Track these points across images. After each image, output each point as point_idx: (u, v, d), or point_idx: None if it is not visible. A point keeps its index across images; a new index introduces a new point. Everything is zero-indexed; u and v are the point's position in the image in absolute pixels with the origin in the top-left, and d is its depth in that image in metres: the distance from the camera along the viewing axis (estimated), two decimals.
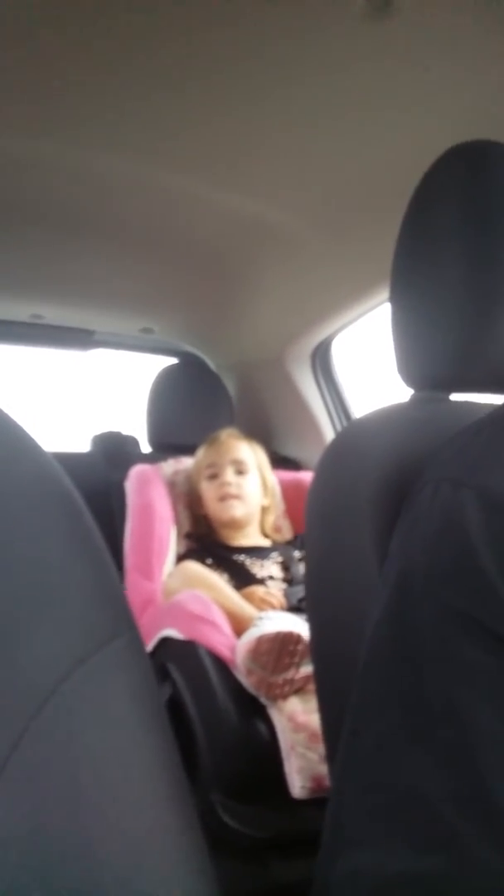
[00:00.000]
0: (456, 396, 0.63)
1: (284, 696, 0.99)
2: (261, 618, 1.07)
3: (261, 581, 1.36)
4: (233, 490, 1.49)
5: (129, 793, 0.31)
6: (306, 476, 1.71)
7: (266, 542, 1.54)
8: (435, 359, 0.57)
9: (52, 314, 1.80)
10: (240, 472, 1.52)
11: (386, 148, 0.92)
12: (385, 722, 0.38)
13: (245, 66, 0.80)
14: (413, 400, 0.63)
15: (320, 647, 0.62)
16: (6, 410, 0.36)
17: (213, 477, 1.52)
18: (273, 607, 1.25)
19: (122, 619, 0.35)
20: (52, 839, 0.27)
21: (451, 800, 0.33)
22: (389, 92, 0.82)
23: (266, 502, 1.58)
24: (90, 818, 0.29)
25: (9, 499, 0.32)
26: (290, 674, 0.98)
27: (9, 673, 0.29)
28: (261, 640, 0.98)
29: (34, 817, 0.27)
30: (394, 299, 0.61)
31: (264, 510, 1.58)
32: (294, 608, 1.25)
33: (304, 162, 0.99)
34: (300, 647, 0.98)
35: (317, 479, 0.63)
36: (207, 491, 1.53)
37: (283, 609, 1.25)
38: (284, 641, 0.98)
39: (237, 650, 1.03)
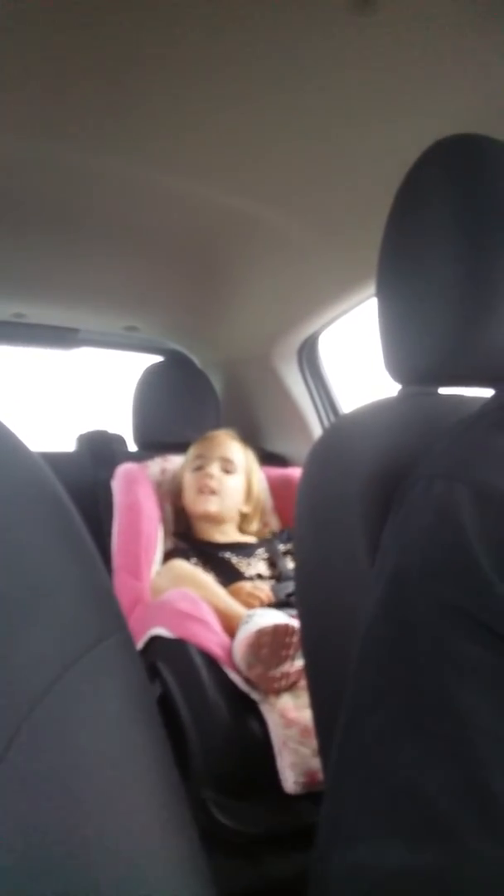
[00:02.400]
0: (444, 390, 0.63)
1: (280, 690, 0.99)
2: (250, 614, 1.07)
3: (249, 579, 1.36)
4: (213, 483, 1.48)
5: (123, 794, 0.30)
6: (294, 472, 1.71)
7: (250, 539, 1.53)
8: (422, 353, 0.57)
9: (35, 313, 1.78)
10: (226, 470, 1.52)
11: (372, 143, 0.92)
12: (381, 716, 0.38)
13: (230, 61, 0.80)
14: (401, 395, 0.63)
15: (311, 642, 0.62)
16: None
17: (198, 469, 1.52)
18: (261, 601, 1.25)
19: (113, 620, 0.34)
20: (46, 841, 0.27)
21: (449, 793, 0.34)
22: (377, 87, 0.82)
23: (247, 510, 1.56)
24: (84, 819, 0.28)
25: None
26: (286, 667, 0.98)
27: (0, 674, 0.28)
28: (260, 634, 0.98)
29: (28, 819, 0.27)
30: (380, 294, 0.61)
31: (244, 517, 1.57)
32: (282, 603, 1.25)
33: (289, 157, 0.99)
34: (295, 640, 0.98)
35: (306, 475, 0.63)
36: (188, 481, 1.52)
37: (270, 603, 1.25)
38: (281, 634, 0.98)
39: (235, 646, 1.03)
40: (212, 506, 1.48)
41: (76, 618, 0.32)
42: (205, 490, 1.48)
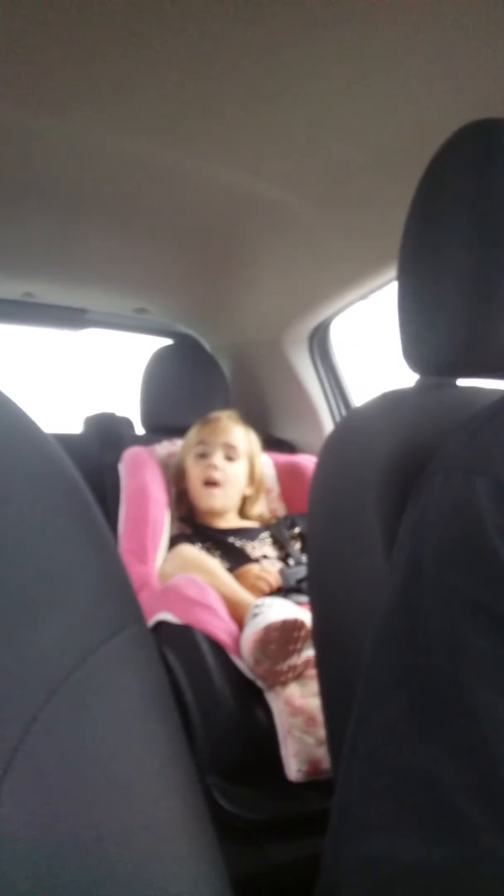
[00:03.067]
0: (462, 382, 0.62)
1: (287, 682, 0.99)
2: (259, 605, 1.07)
3: (255, 561, 1.36)
4: (218, 475, 1.48)
5: (139, 786, 0.30)
6: (302, 459, 1.71)
7: (253, 524, 1.53)
8: (442, 343, 0.56)
9: (44, 293, 1.77)
10: (229, 457, 1.51)
11: (390, 122, 0.90)
12: (393, 709, 0.38)
13: (244, 39, 0.78)
14: (419, 385, 0.62)
15: (323, 632, 0.62)
16: (6, 393, 0.35)
17: (202, 456, 1.51)
18: (269, 584, 1.25)
19: (129, 610, 0.34)
20: (62, 832, 0.27)
21: (463, 788, 0.33)
22: (394, 64, 0.80)
23: (249, 492, 1.56)
24: (100, 811, 0.28)
25: (14, 486, 0.31)
26: (293, 660, 0.98)
27: (16, 664, 0.28)
28: (269, 629, 0.98)
29: (44, 810, 0.27)
30: (401, 281, 0.60)
31: (246, 499, 1.57)
32: (293, 589, 1.25)
33: (305, 137, 0.97)
34: (303, 634, 0.98)
35: (320, 466, 0.63)
36: (193, 469, 1.51)
37: (277, 586, 1.25)
38: (289, 629, 0.98)
39: (243, 642, 1.02)
40: (216, 501, 1.48)
41: (93, 608, 0.32)
42: (209, 482, 1.47)
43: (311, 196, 1.14)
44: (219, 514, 1.51)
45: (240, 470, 1.52)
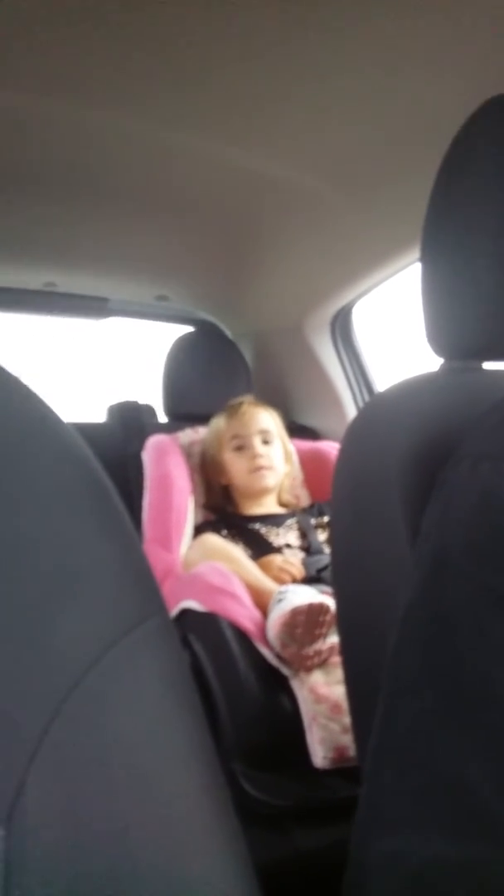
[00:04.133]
0: (489, 365, 0.61)
1: (313, 668, 0.99)
2: (282, 591, 1.07)
3: (278, 549, 1.35)
4: (265, 462, 1.49)
5: (163, 776, 0.30)
6: (325, 445, 1.70)
7: (281, 510, 1.53)
8: (467, 326, 0.54)
9: (66, 282, 1.78)
10: (266, 441, 1.52)
11: (413, 101, 0.88)
12: (421, 704, 0.38)
13: (263, 20, 0.77)
14: (444, 369, 0.61)
15: (347, 619, 0.61)
16: (28, 384, 0.35)
17: (240, 448, 1.51)
18: (292, 575, 1.25)
19: (152, 601, 0.34)
20: (85, 824, 0.27)
21: (491, 784, 0.33)
22: (416, 39, 0.78)
23: (287, 469, 1.57)
24: (123, 803, 0.28)
25: (35, 478, 0.31)
26: (318, 644, 0.98)
27: (39, 656, 0.28)
28: (295, 613, 0.98)
29: (68, 800, 0.27)
30: (425, 262, 0.59)
31: (284, 477, 1.57)
32: (313, 578, 1.24)
33: (325, 117, 0.95)
34: (329, 618, 0.98)
35: (343, 453, 0.62)
36: (235, 463, 1.51)
37: (301, 577, 1.25)
38: (315, 613, 0.98)
39: (269, 625, 1.03)
40: (270, 481, 1.49)
41: (116, 599, 0.32)
42: (260, 469, 1.48)
43: (332, 178, 1.12)
44: (270, 492, 1.53)
45: (278, 451, 1.54)
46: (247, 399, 1.60)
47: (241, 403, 1.58)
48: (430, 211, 0.58)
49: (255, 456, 1.49)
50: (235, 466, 1.52)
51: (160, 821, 0.29)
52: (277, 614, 1.00)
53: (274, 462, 1.51)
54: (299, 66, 0.85)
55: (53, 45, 0.82)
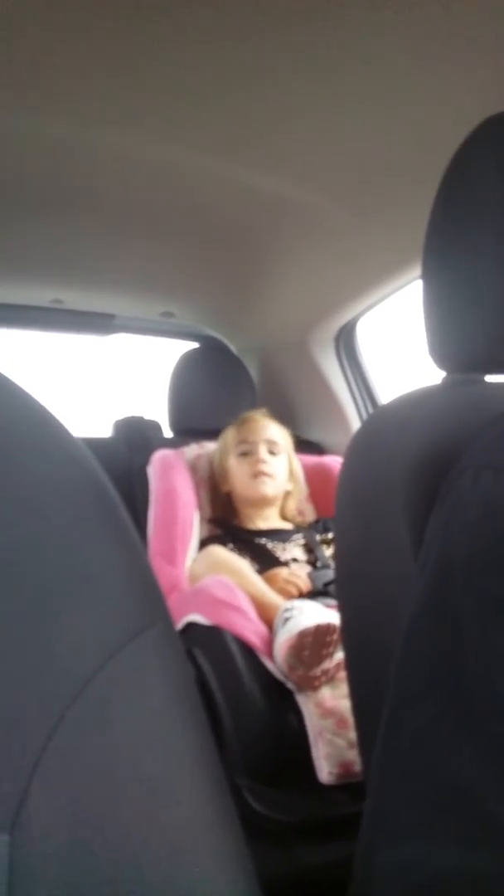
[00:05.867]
0: (491, 378, 0.61)
1: (319, 687, 0.98)
2: (289, 609, 1.06)
3: (284, 564, 1.35)
4: (267, 468, 1.49)
5: (167, 784, 0.30)
6: (330, 460, 1.70)
7: (287, 525, 1.53)
8: (469, 339, 0.55)
9: (73, 299, 1.79)
10: (272, 452, 1.52)
11: (416, 121, 0.89)
12: (425, 713, 0.37)
13: (268, 41, 0.78)
14: (446, 382, 0.62)
15: (352, 633, 0.61)
16: (34, 396, 0.36)
17: (245, 454, 1.52)
18: (298, 588, 1.24)
19: (156, 608, 0.34)
20: (90, 830, 0.27)
21: (498, 796, 0.32)
22: (420, 58, 0.79)
23: (290, 487, 1.57)
24: (128, 809, 0.28)
25: (40, 487, 0.32)
26: (326, 664, 0.98)
27: (43, 662, 0.28)
28: (302, 635, 0.97)
29: (72, 807, 0.27)
30: (426, 277, 0.59)
31: (286, 495, 1.57)
32: (320, 592, 1.24)
33: (329, 135, 0.96)
34: (336, 638, 0.97)
35: (347, 465, 0.62)
36: (238, 468, 1.52)
37: (307, 591, 1.25)
38: (322, 634, 0.97)
39: (277, 649, 1.02)
40: (269, 489, 1.49)
41: (119, 606, 0.32)
42: (260, 475, 1.48)
43: (336, 196, 1.14)
44: (268, 503, 1.52)
45: (283, 464, 1.54)
46: (260, 411, 1.61)
47: (253, 414, 1.59)
48: (431, 228, 0.58)
49: (257, 461, 1.49)
50: (238, 471, 1.52)
51: (164, 827, 0.29)
52: (285, 637, 0.99)
53: (276, 472, 1.50)
54: (304, 86, 0.86)
55: (56, 64, 0.83)
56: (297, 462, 1.63)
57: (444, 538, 0.43)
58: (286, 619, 1.03)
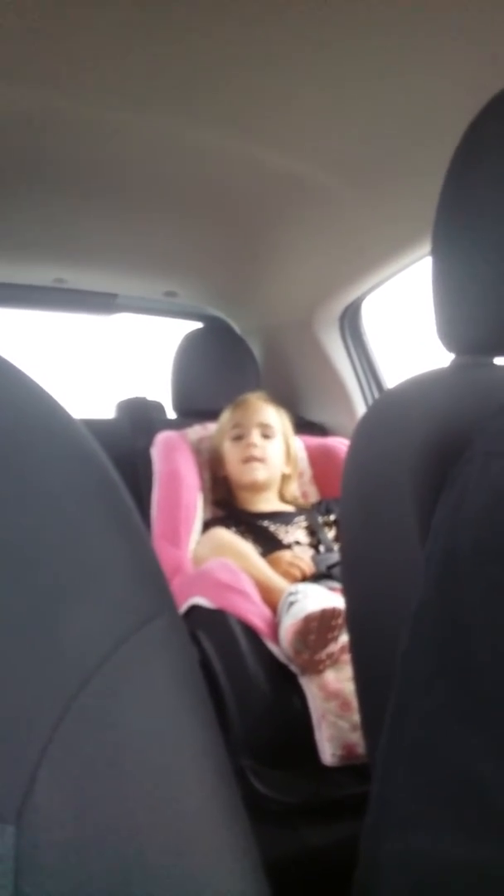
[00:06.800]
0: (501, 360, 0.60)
1: (324, 670, 0.99)
2: (293, 593, 1.06)
3: (287, 546, 1.35)
4: (257, 452, 1.48)
5: (173, 776, 0.30)
6: (333, 442, 1.69)
7: (289, 508, 1.53)
8: (479, 320, 0.54)
9: (75, 278, 1.78)
10: (265, 436, 1.51)
11: (423, 95, 0.87)
12: (433, 701, 0.37)
13: (273, 15, 0.76)
14: (454, 365, 0.61)
15: (357, 617, 0.61)
16: (37, 380, 0.35)
17: (238, 438, 1.51)
18: (302, 570, 1.25)
19: (162, 598, 0.33)
20: (95, 820, 0.27)
21: None
22: (428, 30, 0.77)
23: (287, 470, 1.56)
24: (133, 800, 0.28)
25: (44, 474, 0.31)
26: (331, 648, 0.98)
27: (49, 653, 0.28)
28: (308, 620, 0.97)
29: (78, 796, 0.27)
30: (436, 254, 0.58)
31: (284, 478, 1.57)
32: (323, 575, 1.24)
33: (335, 112, 0.94)
34: (341, 621, 0.97)
35: (353, 449, 0.61)
36: (230, 452, 1.51)
37: (310, 574, 1.25)
38: (328, 618, 0.97)
39: (282, 633, 1.02)
40: (259, 474, 1.48)
41: (125, 596, 0.31)
42: (250, 460, 1.47)
43: (342, 173, 1.12)
44: (262, 488, 1.51)
45: (277, 448, 1.53)
46: (255, 394, 1.60)
47: (248, 397, 1.58)
48: (442, 204, 0.57)
49: (248, 445, 1.48)
50: (230, 456, 1.51)
51: (170, 817, 0.29)
52: (290, 622, 0.99)
53: (268, 456, 1.49)
54: (310, 61, 0.84)
55: (58, 39, 0.82)
56: (298, 443, 1.62)
57: (452, 525, 0.42)
58: (291, 604, 1.03)
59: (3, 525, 0.29)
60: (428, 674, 0.39)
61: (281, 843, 0.87)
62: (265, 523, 1.43)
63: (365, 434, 0.61)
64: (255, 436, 1.50)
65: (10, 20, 0.78)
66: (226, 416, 1.58)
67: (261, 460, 1.48)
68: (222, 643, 1.05)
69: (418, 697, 0.39)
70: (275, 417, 1.55)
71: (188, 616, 1.15)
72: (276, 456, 1.52)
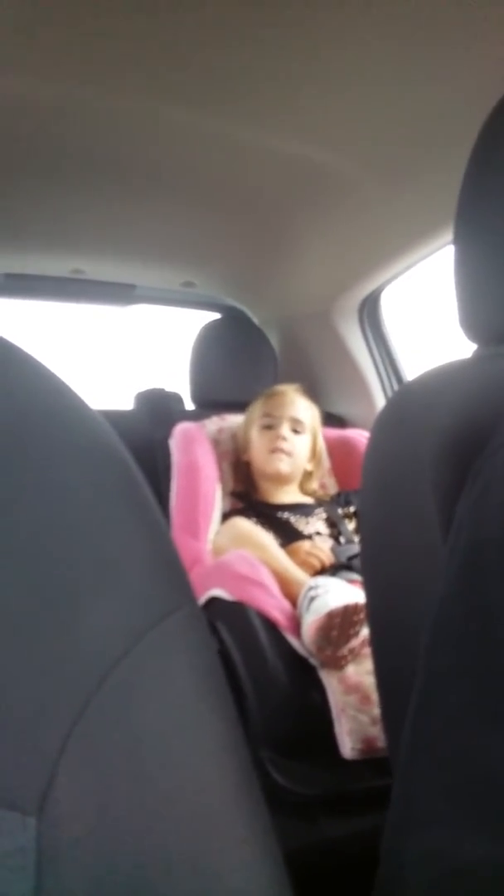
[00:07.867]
0: None
1: (346, 665, 0.98)
2: (314, 587, 1.05)
3: (307, 538, 1.35)
4: (286, 446, 1.48)
5: (193, 768, 0.30)
6: (353, 433, 1.68)
7: (308, 500, 1.52)
8: (502, 311, 0.53)
9: (93, 269, 1.78)
10: (295, 430, 1.51)
11: (444, 83, 0.86)
12: (457, 698, 0.37)
13: (293, 5, 0.75)
14: (477, 356, 0.60)
15: (378, 611, 0.61)
16: (55, 371, 0.35)
17: (268, 428, 1.51)
18: (321, 560, 1.24)
19: (181, 591, 0.33)
20: (116, 814, 0.27)
21: None
22: (450, 20, 0.75)
23: (310, 468, 1.56)
24: (154, 796, 0.28)
25: (63, 466, 0.31)
26: (353, 643, 0.97)
27: (68, 647, 0.28)
28: (331, 616, 0.96)
29: (98, 792, 0.27)
30: (458, 244, 0.57)
31: (306, 474, 1.56)
32: (343, 566, 1.23)
33: (355, 97, 0.93)
34: (362, 616, 0.97)
35: (374, 442, 0.61)
36: (258, 440, 1.51)
37: (329, 564, 1.24)
38: (350, 613, 0.97)
39: (305, 630, 1.01)
40: (284, 466, 1.48)
41: (144, 590, 0.31)
42: (277, 451, 1.47)
43: (362, 161, 1.10)
44: (284, 480, 1.51)
45: (305, 443, 1.53)
46: (293, 386, 1.60)
47: (283, 388, 1.58)
48: (464, 192, 0.56)
49: (277, 437, 1.48)
50: (257, 444, 1.51)
51: (190, 811, 0.29)
52: (312, 618, 0.98)
53: (296, 450, 1.49)
54: (331, 51, 0.83)
55: (76, 30, 0.81)
56: (323, 443, 1.62)
57: (476, 519, 0.41)
58: (312, 598, 1.02)
59: (19, 517, 0.29)
60: (452, 668, 0.38)
61: (300, 835, 0.88)
62: (285, 514, 1.43)
63: (385, 426, 0.60)
64: (286, 429, 1.50)
65: (15, 13, 0.78)
66: (257, 404, 1.58)
67: (288, 454, 1.48)
68: (242, 635, 1.05)
69: (442, 693, 0.38)
70: (306, 413, 1.55)
71: (207, 607, 1.15)
72: (302, 452, 1.52)
